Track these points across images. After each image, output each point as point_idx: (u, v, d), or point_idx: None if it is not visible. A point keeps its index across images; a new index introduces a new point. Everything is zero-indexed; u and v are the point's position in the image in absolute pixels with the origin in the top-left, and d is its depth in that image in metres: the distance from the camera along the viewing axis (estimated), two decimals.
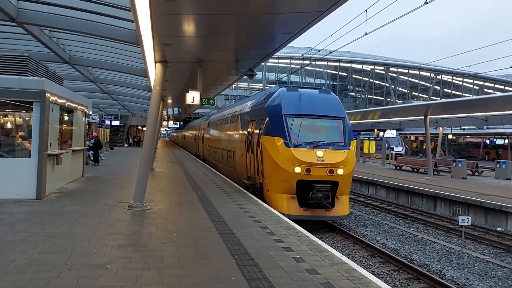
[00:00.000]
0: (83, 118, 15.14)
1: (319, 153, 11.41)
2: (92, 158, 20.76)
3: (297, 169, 11.25)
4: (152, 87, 10.91)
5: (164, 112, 25.12)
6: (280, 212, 10.24)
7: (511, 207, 13.35)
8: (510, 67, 20.17)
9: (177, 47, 9.87)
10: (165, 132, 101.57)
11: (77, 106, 13.40)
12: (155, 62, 10.64)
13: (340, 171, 11.42)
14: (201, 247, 6.53)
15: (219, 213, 9.30)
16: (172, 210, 9.53)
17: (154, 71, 11.12)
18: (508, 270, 9.42)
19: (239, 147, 15.75)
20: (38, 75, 10.75)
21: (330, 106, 12.55)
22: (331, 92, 13.46)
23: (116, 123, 41.27)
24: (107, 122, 36.29)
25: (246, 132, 14.68)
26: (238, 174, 15.85)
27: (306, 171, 11.25)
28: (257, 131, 13.09)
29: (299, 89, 13.10)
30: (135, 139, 49.98)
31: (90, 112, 16.34)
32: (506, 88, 70.82)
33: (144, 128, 14.80)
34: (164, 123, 35.67)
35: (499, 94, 45.88)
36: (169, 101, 24.39)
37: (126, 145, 47.73)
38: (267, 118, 12.31)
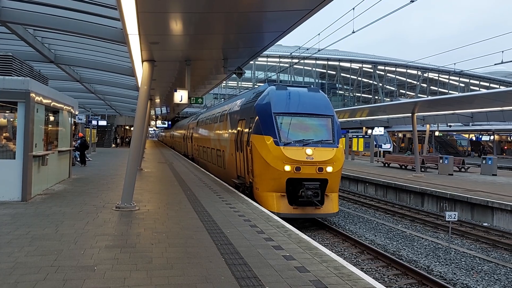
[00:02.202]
0: (69, 119, 14.96)
1: (309, 151, 11.47)
2: (78, 159, 20.53)
3: (287, 168, 11.29)
4: (140, 86, 10.81)
5: (152, 112, 24.94)
6: (270, 211, 10.24)
7: (497, 202, 13.53)
8: (495, 64, 20.43)
9: (164, 46, 9.79)
10: (153, 132, 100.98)
11: (62, 106, 13.23)
12: (142, 61, 10.55)
13: (329, 169, 11.50)
14: (190, 247, 6.49)
15: (208, 213, 9.26)
16: (161, 211, 9.46)
17: (141, 70, 11.02)
18: (494, 264, 9.54)
19: (228, 146, 15.70)
20: (23, 75, 10.59)
21: (319, 105, 12.62)
22: (320, 91, 13.53)
23: (103, 123, 40.87)
24: (94, 122, 35.91)
25: (235, 131, 14.65)
26: (228, 174, 15.80)
27: (296, 169, 11.30)
28: (246, 130, 13.09)
29: (288, 87, 13.13)
30: (126, 139, 49.59)
31: (76, 112, 16.15)
32: (491, 85, 71.84)
33: (132, 128, 14.69)
34: (152, 122, 35.44)
35: (484, 91, 46.54)
36: (157, 101, 24.22)
37: (113, 145, 47.34)
38: (257, 117, 12.32)
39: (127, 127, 57.11)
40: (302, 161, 11.30)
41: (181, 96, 12.11)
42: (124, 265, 5.46)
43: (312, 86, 14.73)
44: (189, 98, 12.37)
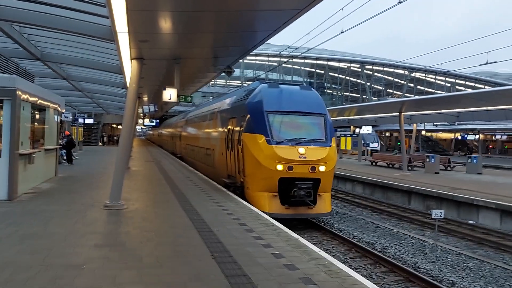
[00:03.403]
0: (56, 116, 14.80)
1: (301, 150, 11.32)
2: (65, 157, 20.32)
3: (279, 167, 11.14)
4: (128, 85, 10.76)
5: (140, 110, 24.75)
6: (262, 211, 10.11)
7: (482, 200, 13.76)
8: (480, 64, 20.77)
9: (153, 44, 9.75)
10: (141, 130, 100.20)
11: (49, 104, 13.08)
12: (131, 59, 10.49)
13: (322, 168, 11.38)
14: (179, 245, 6.50)
15: (197, 211, 9.26)
16: (149, 209, 9.44)
17: (129, 68, 10.95)
18: (479, 261, 9.71)
19: (218, 145, 15.49)
20: (9, 72, 10.47)
21: (311, 103, 12.50)
22: (312, 89, 13.38)
23: (90, 121, 40.44)
24: (81, 120, 35.51)
25: (226, 130, 14.42)
26: (218, 173, 15.56)
27: (288, 169, 11.15)
28: (237, 128, 12.89)
29: (280, 85, 12.97)
30: (115, 137, 49.14)
31: (63, 110, 15.98)
32: (477, 85, 72.88)
33: (120, 127, 14.52)
34: (140, 121, 35.18)
35: (470, 91, 47.21)
36: (145, 99, 24.08)
37: (100, 143, 46.93)
38: (248, 115, 12.13)
39: (115, 125, 56.61)
40: (294, 160, 11.17)
41: (170, 94, 12.04)
42: (114, 264, 5.45)
43: (304, 84, 14.68)
44: (178, 96, 12.31)
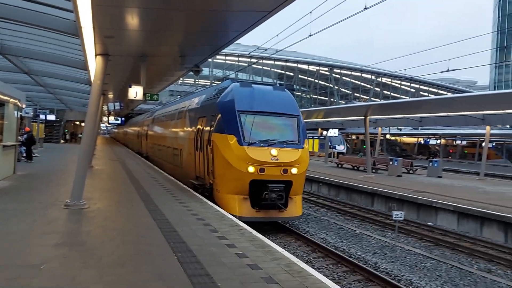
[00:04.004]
0: (16, 112, 14.27)
1: (274, 152, 10.99)
2: (24, 155, 19.62)
3: (251, 169, 10.78)
4: (92, 81, 10.51)
5: (105, 107, 24.19)
6: (232, 214, 9.86)
7: (440, 203, 14.27)
8: (442, 71, 21.51)
9: (119, 40, 9.58)
10: (105, 128, 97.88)
11: (8, 98, 12.60)
12: (96, 55, 10.27)
13: (294, 171, 11.13)
14: (142, 245, 6.42)
15: (161, 211, 9.16)
16: (112, 209, 9.26)
17: (94, 64, 10.71)
18: (436, 261, 10.08)
19: (187, 145, 15.03)
20: None
21: (284, 104, 12.21)
22: (286, 89, 13.08)
23: (51, 117, 39.19)
24: (42, 116, 34.37)
25: (195, 129, 13.98)
26: (186, 174, 15.09)
27: (260, 171, 10.81)
28: (207, 128, 12.48)
29: (253, 85, 12.59)
30: (80, 134, 47.77)
31: (23, 106, 15.42)
32: (440, 91, 75.52)
33: (83, 124, 14.12)
34: (105, 118, 34.33)
35: (432, 97, 48.88)
36: (110, 96, 23.57)
37: (62, 141, 45.59)
38: (219, 115, 11.73)
39: (78, 123, 55.09)
40: (266, 162, 10.84)
41: (135, 92, 11.81)
42: (73, 263, 5.33)
43: (277, 85, 14.54)
44: (144, 94, 12.12)
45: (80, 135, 46.99)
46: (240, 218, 9.65)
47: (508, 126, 46.29)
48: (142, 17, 7.95)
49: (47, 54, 14.45)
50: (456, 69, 19.88)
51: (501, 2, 64.32)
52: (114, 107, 18.95)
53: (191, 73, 13.69)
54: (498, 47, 63.60)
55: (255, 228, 8.35)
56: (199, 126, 13.59)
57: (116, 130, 77.58)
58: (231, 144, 11.06)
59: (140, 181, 14.42)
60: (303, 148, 11.58)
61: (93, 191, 11.33)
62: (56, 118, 41.61)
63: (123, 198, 10.79)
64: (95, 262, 5.45)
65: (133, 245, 6.38)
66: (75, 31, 9.25)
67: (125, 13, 7.64)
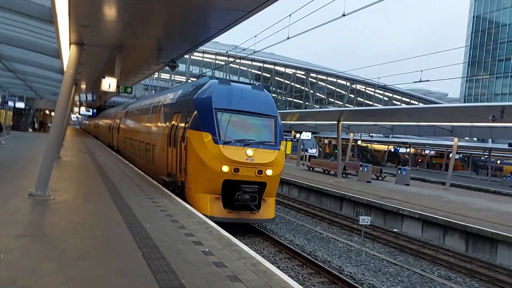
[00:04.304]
0: None
1: (249, 152, 10.77)
2: None
3: (225, 168, 10.54)
4: (65, 70, 10.26)
5: (76, 98, 23.66)
6: (203, 214, 9.67)
7: (406, 210, 14.62)
8: (414, 82, 22.03)
9: (95, 30, 9.39)
10: (76, 119, 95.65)
11: None
12: (70, 44, 10.03)
13: (269, 172, 10.95)
14: (107, 239, 6.31)
15: (129, 206, 9.02)
16: (79, 201, 9.06)
17: (68, 52, 10.47)
18: (400, 267, 10.32)
19: (159, 141, 14.71)
20: None
21: (263, 104, 12.07)
22: (265, 89, 12.95)
23: (20, 105, 37.96)
24: (11, 103, 33.28)
25: (169, 125, 13.69)
26: (157, 170, 14.77)
27: (234, 171, 10.59)
28: (182, 124, 12.21)
29: (231, 83, 12.41)
30: (48, 125, 46.47)
31: None
32: (412, 101, 77.41)
33: (53, 113, 13.72)
34: (76, 109, 33.57)
35: (404, 106, 50.09)
36: (83, 86, 23.07)
37: (30, 130, 44.29)
38: (195, 111, 11.46)
39: (48, 112, 53.62)
40: (241, 162, 10.63)
41: (109, 84, 11.57)
42: (34, 255, 5.19)
43: (257, 84, 14.42)
44: (117, 86, 11.90)
45: (49, 125, 45.75)
46: (211, 218, 9.48)
47: (475, 139, 48.00)
48: (120, 7, 7.82)
49: (19, 39, 13.99)
50: (428, 80, 20.42)
51: (475, 18, 66.48)
52: (86, 98, 18.55)
53: (167, 68, 13.55)
54: (470, 62, 65.76)
55: (224, 228, 8.33)
56: (173, 122, 13.33)
57: (87, 122, 75.89)
58: (206, 142, 10.82)
59: (109, 174, 14.16)
60: (279, 149, 11.45)
61: (59, 182, 11.04)
62: (25, 106, 40.33)
63: (91, 191, 10.58)
64: (58, 255, 5.32)
65: (98, 239, 6.27)
66: (50, 18, 9.02)
67: (102, 3, 7.50)
